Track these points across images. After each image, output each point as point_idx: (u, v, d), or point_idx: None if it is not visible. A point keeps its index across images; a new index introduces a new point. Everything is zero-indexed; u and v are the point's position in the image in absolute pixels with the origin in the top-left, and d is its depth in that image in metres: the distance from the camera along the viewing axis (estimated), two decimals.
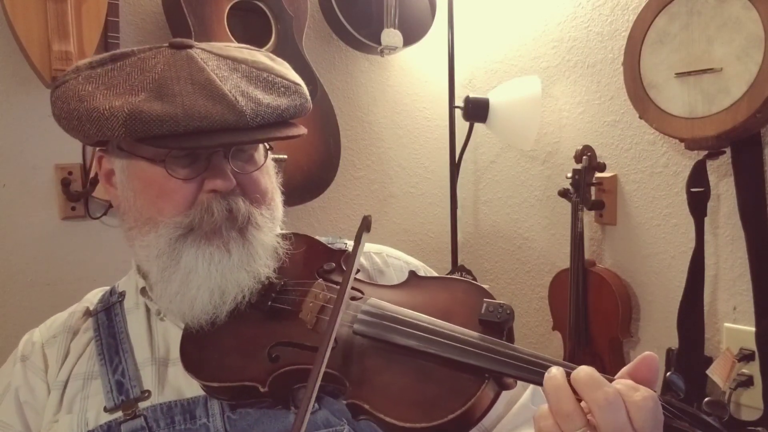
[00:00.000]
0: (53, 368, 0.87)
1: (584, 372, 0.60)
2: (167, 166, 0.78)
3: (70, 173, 1.66)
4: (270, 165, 0.89)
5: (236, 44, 0.90)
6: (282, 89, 0.83)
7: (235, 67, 0.82)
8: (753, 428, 0.61)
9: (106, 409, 0.81)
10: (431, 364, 0.70)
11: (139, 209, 0.82)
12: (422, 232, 2.27)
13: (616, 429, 0.57)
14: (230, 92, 0.77)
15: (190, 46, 0.82)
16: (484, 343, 0.69)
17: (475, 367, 0.68)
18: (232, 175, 0.80)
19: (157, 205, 0.80)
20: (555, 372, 0.61)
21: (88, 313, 0.92)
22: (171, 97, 0.75)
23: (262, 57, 0.87)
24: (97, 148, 0.87)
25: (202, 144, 0.76)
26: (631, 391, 0.58)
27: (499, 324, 0.73)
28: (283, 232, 0.89)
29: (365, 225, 0.77)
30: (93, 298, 0.96)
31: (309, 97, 0.87)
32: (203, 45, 0.84)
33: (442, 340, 0.71)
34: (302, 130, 0.85)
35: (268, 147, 0.88)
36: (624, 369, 0.62)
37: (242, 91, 0.78)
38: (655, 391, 0.60)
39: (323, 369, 0.68)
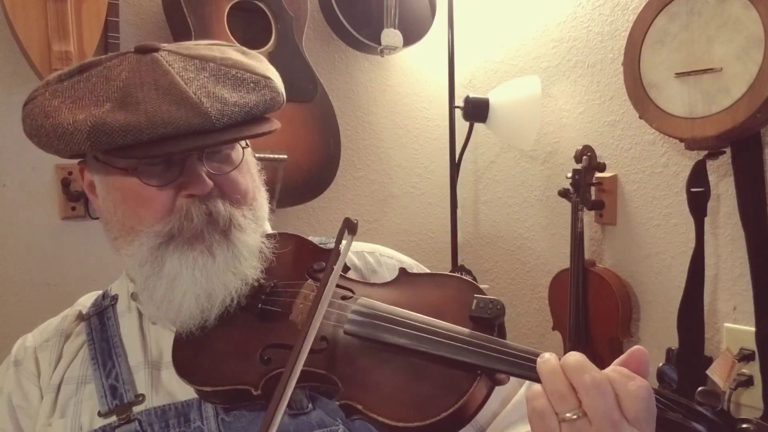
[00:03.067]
0: (46, 372, 0.86)
1: (573, 357, 0.61)
2: (139, 175, 0.77)
3: (70, 173, 1.66)
4: (251, 163, 0.88)
5: (208, 42, 0.89)
6: (251, 84, 0.81)
7: (203, 66, 0.80)
8: (744, 418, 0.61)
9: (100, 414, 0.80)
10: (423, 362, 0.70)
11: (121, 219, 0.81)
12: (422, 232, 2.27)
13: (605, 413, 0.57)
14: (194, 94, 0.75)
15: (156, 50, 0.81)
16: (475, 339, 0.69)
17: (467, 363, 0.68)
18: (209, 177, 0.79)
19: (137, 214, 0.79)
20: (548, 356, 0.63)
21: (80, 317, 0.92)
22: (134, 105, 0.74)
23: (233, 52, 0.85)
24: (79, 161, 0.86)
25: (167, 150, 0.74)
26: (625, 379, 0.58)
27: (489, 320, 0.73)
28: (269, 231, 0.88)
29: (348, 227, 0.76)
30: (86, 302, 0.95)
31: (281, 90, 0.85)
32: (171, 46, 0.83)
33: (433, 337, 0.70)
34: (275, 125, 0.83)
35: (244, 145, 0.86)
36: (614, 363, 0.62)
37: (208, 91, 0.77)
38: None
39: (298, 368, 0.68)
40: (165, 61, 0.79)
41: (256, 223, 0.84)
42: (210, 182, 0.78)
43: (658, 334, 1.71)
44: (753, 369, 1.47)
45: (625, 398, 0.57)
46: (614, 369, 0.60)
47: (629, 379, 0.58)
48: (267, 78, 0.83)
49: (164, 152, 0.75)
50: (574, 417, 0.58)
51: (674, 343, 1.59)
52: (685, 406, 0.61)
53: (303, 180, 1.84)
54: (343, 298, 0.80)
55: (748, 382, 1.47)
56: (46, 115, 0.76)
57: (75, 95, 0.77)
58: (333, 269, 0.75)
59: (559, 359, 0.63)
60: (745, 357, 1.48)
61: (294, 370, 0.67)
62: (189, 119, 0.74)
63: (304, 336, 0.69)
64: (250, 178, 0.86)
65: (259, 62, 0.86)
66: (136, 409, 0.80)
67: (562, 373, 0.60)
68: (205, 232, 0.78)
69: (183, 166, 0.78)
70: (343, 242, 0.77)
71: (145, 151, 0.74)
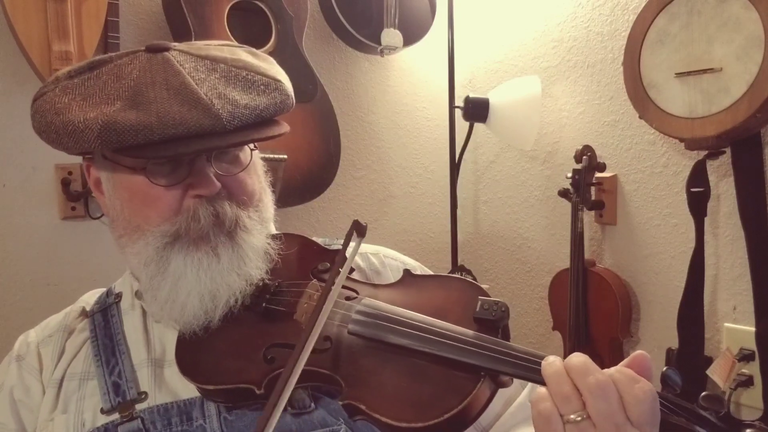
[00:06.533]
0: (48, 367, 0.86)
1: (577, 359, 0.61)
2: (148, 174, 0.78)
3: (70, 173, 1.66)
4: (258, 164, 0.88)
5: (218, 42, 0.88)
6: (261, 87, 0.81)
7: (214, 68, 0.80)
8: (749, 422, 0.61)
9: (102, 411, 0.80)
10: (427, 363, 0.70)
11: (127, 218, 0.82)
12: (422, 232, 2.27)
13: (608, 415, 0.57)
14: (206, 95, 0.76)
15: (167, 49, 0.81)
16: (479, 341, 0.69)
17: (471, 365, 0.68)
18: (217, 177, 0.79)
19: (143, 213, 0.80)
20: (553, 359, 0.63)
21: (84, 313, 0.92)
22: (146, 105, 0.74)
23: (243, 54, 0.85)
24: (84, 157, 0.87)
25: (178, 152, 0.74)
26: (630, 381, 0.59)
27: (494, 322, 0.73)
28: (274, 232, 0.89)
29: (357, 229, 0.77)
30: (89, 299, 0.95)
31: (291, 93, 0.85)
32: (181, 46, 0.83)
33: (437, 338, 0.70)
34: (284, 128, 0.83)
35: (252, 147, 0.86)
36: (618, 365, 0.62)
37: (219, 93, 0.77)
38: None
39: (300, 367, 0.68)
40: (176, 61, 0.79)
41: (262, 225, 0.85)
42: (218, 183, 0.79)
43: (658, 334, 1.71)
44: (753, 369, 1.47)
45: (630, 401, 0.58)
46: (619, 370, 0.60)
47: (634, 382, 0.58)
48: (277, 81, 0.83)
49: (175, 153, 0.75)
50: (578, 419, 0.58)
51: (674, 343, 1.59)
52: (689, 410, 0.61)
53: (303, 180, 1.84)
54: (348, 298, 0.80)
55: (748, 382, 1.47)
56: (56, 112, 0.76)
57: (85, 92, 0.77)
58: (340, 270, 0.75)
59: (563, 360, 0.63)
60: (745, 357, 1.48)
61: (295, 369, 0.67)
62: (200, 120, 0.74)
63: (306, 335, 0.69)
64: (257, 179, 0.87)
65: (269, 64, 0.86)
66: (138, 406, 0.80)
67: (567, 375, 0.60)
68: (211, 233, 0.78)
69: (191, 167, 0.79)
70: (352, 244, 0.78)
71: (156, 151, 0.74)
